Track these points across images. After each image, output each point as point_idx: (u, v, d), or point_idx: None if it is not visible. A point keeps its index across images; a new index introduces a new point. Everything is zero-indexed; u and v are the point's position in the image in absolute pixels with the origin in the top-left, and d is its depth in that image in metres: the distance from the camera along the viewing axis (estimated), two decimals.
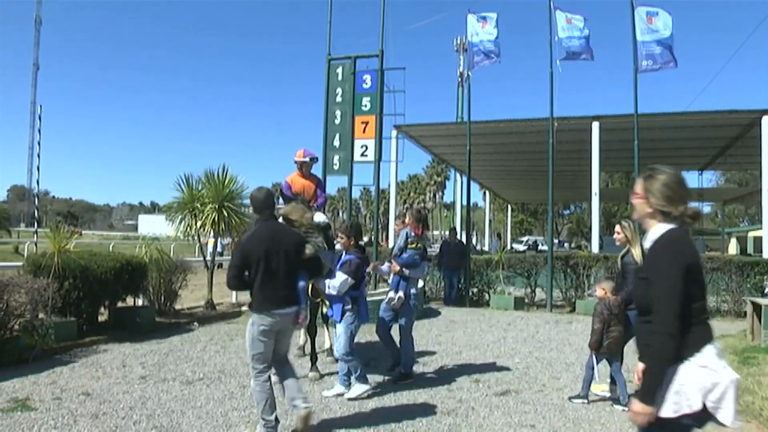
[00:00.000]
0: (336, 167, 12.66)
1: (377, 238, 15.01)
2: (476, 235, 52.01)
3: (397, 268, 6.14)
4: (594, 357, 5.35)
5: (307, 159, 7.21)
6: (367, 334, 7.53)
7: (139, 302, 9.58)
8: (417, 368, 6.52)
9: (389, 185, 23.26)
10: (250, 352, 4.24)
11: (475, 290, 13.45)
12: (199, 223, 10.58)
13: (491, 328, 9.87)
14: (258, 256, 4.15)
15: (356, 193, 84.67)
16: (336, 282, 5.31)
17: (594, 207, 19.24)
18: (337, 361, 5.70)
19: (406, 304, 6.16)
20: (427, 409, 5.08)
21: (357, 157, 12.47)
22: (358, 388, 5.37)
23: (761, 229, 19.95)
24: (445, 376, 6.36)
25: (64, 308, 7.49)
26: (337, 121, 12.72)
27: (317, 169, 9.19)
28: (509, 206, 51.25)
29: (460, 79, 48.90)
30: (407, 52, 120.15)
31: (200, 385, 5.73)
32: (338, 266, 5.48)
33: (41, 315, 7.02)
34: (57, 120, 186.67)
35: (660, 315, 2.23)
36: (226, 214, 10.44)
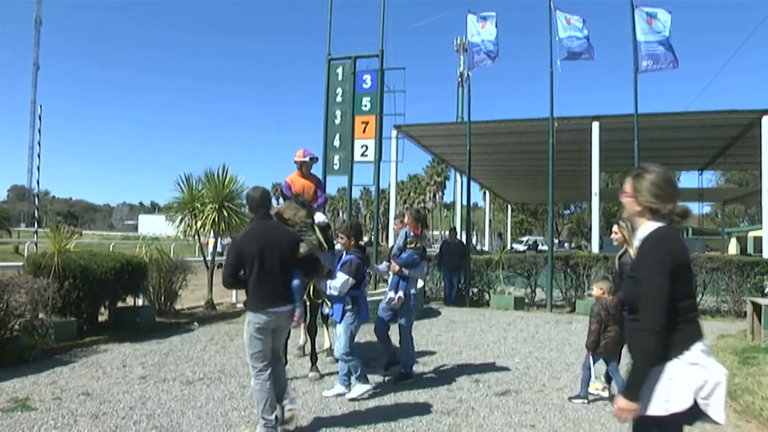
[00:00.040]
0: (336, 167, 12.66)
1: (377, 238, 15.02)
2: (476, 235, 52.05)
3: (397, 267, 6.14)
4: (590, 357, 5.35)
5: (307, 159, 7.21)
6: (367, 334, 7.52)
7: (139, 302, 9.58)
8: (417, 368, 6.52)
9: (389, 185, 23.23)
10: (249, 351, 4.27)
11: (475, 290, 13.45)
12: (199, 223, 10.57)
13: (491, 328, 9.87)
14: (252, 254, 4.18)
15: (356, 193, 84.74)
16: (337, 282, 5.31)
17: (594, 207, 19.23)
18: (337, 361, 5.70)
19: (406, 304, 6.16)
20: (427, 409, 5.08)
21: (357, 157, 12.48)
22: (359, 388, 5.37)
23: (761, 229, 19.94)
24: (445, 376, 6.36)
25: (64, 308, 7.49)
26: (337, 121, 12.72)
27: (317, 169, 9.19)
28: (509, 206, 51.25)
29: (460, 79, 48.98)
30: (407, 52, 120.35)
31: (200, 385, 5.73)
32: (339, 266, 5.48)
33: (41, 315, 7.02)
34: (57, 120, 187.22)
35: (646, 312, 2.25)
36: (226, 214, 10.44)
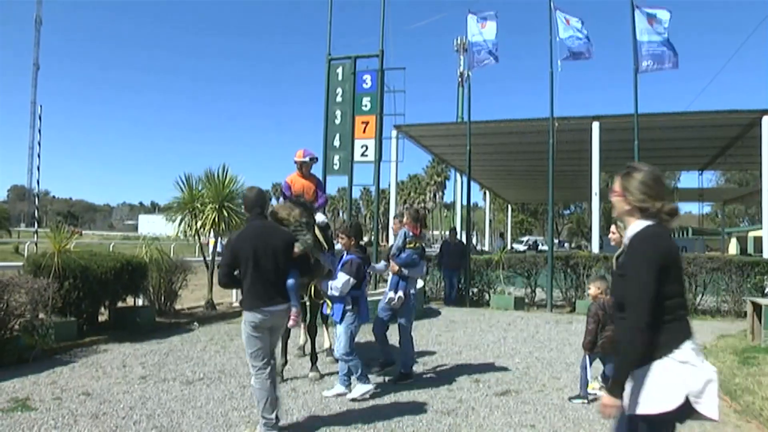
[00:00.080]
0: (336, 167, 12.66)
1: (377, 238, 15.01)
2: (476, 235, 52.06)
3: (396, 267, 6.14)
4: (587, 357, 5.33)
5: (307, 159, 7.20)
6: (368, 334, 7.51)
7: (139, 302, 9.58)
8: (417, 368, 6.52)
9: (389, 185, 23.21)
10: (247, 349, 4.32)
11: (475, 290, 13.45)
12: (199, 223, 10.57)
13: (491, 328, 9.87)
14: (247, 254, 4.23)
15: (356, 193, 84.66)
16: (338, 283, 5.30)
17: (594, 207, 19.21)
18: (337, 361, 5.70)
19: (405, 304, 6.16)
20: (427, 409, 5.08)
21: (357, 157, 12.48)
22: (361, 389, 5.36)
23: (761, 229, 19.95)
24: (445, 376, 6.36)
25: (64, 308, 7.49)
26: (338, 121, 12.72)
27: (317, 170, 9.19)
28: (509, 206, 51.22)
29: (460, 79, 48.93)
30: (407, 52, 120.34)
31: (200, 385, 5.73)
32: (339, 267, 5.47)
33: (41, 315, 7.02)
34: (57, 120, 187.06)
35: (631, 310, 2.27)
36: (226, 214, 10.43)
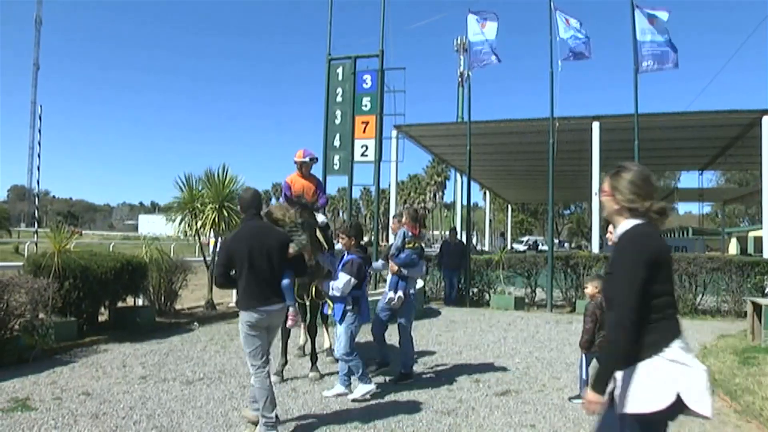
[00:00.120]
0: (336, 167, 12.66)
1: (378, 238, 15.01)
2: (476, 235, 52.07)
3: (396, 267, 6.14)
4: (584, 357, 5.32)
5: (307, 159, 7.20)
6: (368, 334, 7.51)
7: (139, 302, 9.58)
8: (417, 368, 6.52)
9: (389, 185, 23.20)
10: (246, 349, 4.35)
11: (475, 290, 13.45)
12: (199, 223, 10.57)
13: (491, 328, 9.87)
14: (242, 254, 4.26)
15: (356, 193, 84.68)
16: (339, 283, 5.30)
17: (594, 207, 19.23)
18: (337, 361, 5.70)
19: (405, 304, 6.16)
20: (427, 409, 5.08)
21: (357, 157, 12.47)
22: (362, 389, 5.35)
23: (761, 229, 19.95)
24: (445, 376, 6.36)
25: (64, 308, 7.49)
26: (338, 121, 12.72)
27: (317, 170, 9.18)
28: (509, 206, 51.24)
29: (460, 79, 48.92)
30: (407, 52, 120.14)
31: (200, 385, 5.73)
32: (340, 267, 5.47)
33: (41, 315, 7.02)
34: (57, 120, 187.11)
35: (618, 308, 2.28)
36: (226, 214, 10.43)
